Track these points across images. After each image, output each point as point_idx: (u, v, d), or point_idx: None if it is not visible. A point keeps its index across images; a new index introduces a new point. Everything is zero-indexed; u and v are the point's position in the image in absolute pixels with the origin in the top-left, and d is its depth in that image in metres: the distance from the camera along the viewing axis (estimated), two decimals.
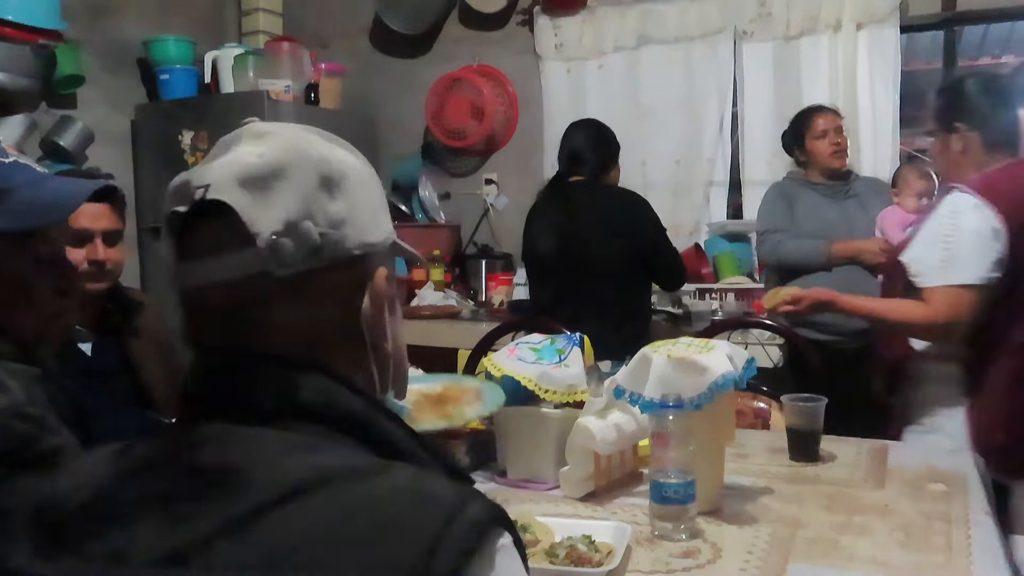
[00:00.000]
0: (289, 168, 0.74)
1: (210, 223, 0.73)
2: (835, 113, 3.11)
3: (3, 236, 1.06)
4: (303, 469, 0.66)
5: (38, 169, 1.13)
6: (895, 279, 2.11)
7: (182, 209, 0.74)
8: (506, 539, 0.66)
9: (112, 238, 1.93)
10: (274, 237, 0.71)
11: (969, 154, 2.09)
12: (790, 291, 2.16)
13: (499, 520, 0.65)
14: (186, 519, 0.65)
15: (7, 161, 1.08)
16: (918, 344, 2.06)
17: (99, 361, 1.90)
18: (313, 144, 0.77)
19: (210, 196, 0.72)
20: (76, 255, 1.85)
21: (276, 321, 0.73)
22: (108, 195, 1.90)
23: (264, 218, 0.71)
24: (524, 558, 0.68)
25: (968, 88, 2.11)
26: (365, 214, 0.78)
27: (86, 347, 1.89)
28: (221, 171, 0.73)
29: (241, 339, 0.73)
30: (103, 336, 1.93)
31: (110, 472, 0.72)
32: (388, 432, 0.74)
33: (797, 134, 3.11)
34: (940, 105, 2.14)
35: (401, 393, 0.84)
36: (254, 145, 0.76)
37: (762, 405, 2.21)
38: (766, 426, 2.18)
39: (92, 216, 1.89)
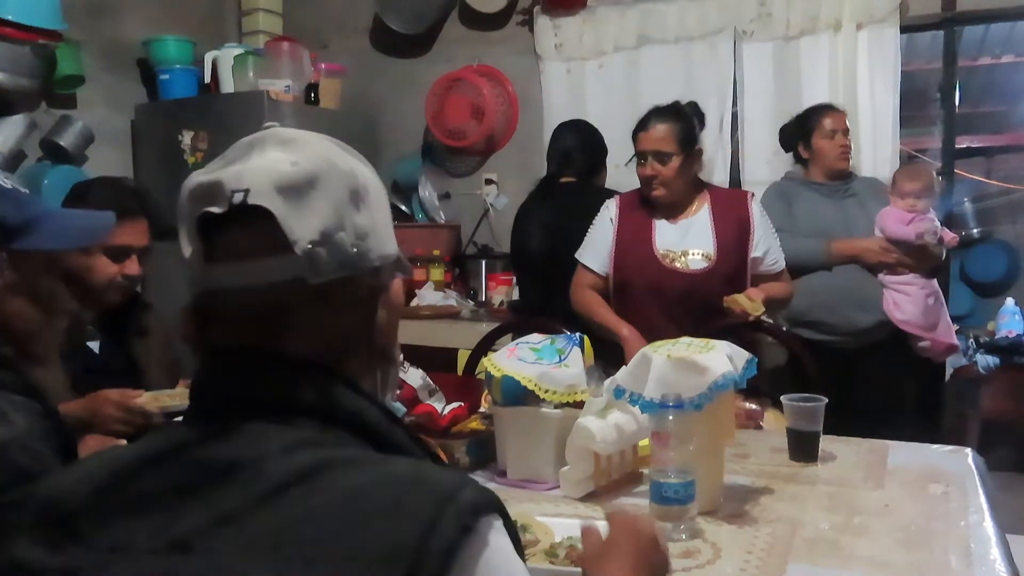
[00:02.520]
0: (323, 178, 0.76)
1: (247, 227, 0.74)
2: (843, 114, 3.09)
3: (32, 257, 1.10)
4: (307, 460, 0.68)
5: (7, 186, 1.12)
6: (742, 276, 2.43)
7: (217, 210, 0.74)
8: (498, 521, 0.69)
9: (145, 254, 1.95)
10: (310, 246, 0.73)
11: (697, 171, 2.47)
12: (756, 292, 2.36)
13: (492, 504, 0.69)
14: (191, 509, 0.67)
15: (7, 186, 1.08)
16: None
17: (106, 360, 1.92)
18: (340, 156, 0.80)
19: (251, 201, 0.73)
20: (111, 268, 1.88)
21: (298, 325, 0.75)
22: (148, 212, 1.93)
23: (301, 227, 0.73)
24: (517, 540, 0.71)
25: (695, 111, 2.47)
26: (384, 227, 0.81)
27: (94, 345, 1.91)
28: (258, 176, 0.74)
29: (261, 341, 0.75)
30: (111, 335, 1.94)
31: (117, 466, 0.73)
32: (390, 432, 0.77)
33: (804, 131, 3.08)
34: (682, 129, 2.41)
35: (394, 396, 0.88)
36: (284, 152, 0.77)
37: (754, 407, 2.19)
38: (758, 428, 2.16)
39: (134, 234, 1.91)
